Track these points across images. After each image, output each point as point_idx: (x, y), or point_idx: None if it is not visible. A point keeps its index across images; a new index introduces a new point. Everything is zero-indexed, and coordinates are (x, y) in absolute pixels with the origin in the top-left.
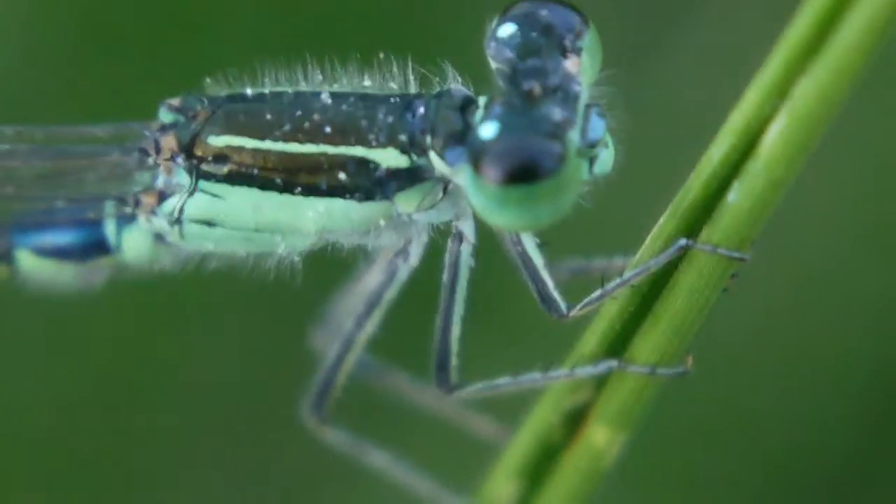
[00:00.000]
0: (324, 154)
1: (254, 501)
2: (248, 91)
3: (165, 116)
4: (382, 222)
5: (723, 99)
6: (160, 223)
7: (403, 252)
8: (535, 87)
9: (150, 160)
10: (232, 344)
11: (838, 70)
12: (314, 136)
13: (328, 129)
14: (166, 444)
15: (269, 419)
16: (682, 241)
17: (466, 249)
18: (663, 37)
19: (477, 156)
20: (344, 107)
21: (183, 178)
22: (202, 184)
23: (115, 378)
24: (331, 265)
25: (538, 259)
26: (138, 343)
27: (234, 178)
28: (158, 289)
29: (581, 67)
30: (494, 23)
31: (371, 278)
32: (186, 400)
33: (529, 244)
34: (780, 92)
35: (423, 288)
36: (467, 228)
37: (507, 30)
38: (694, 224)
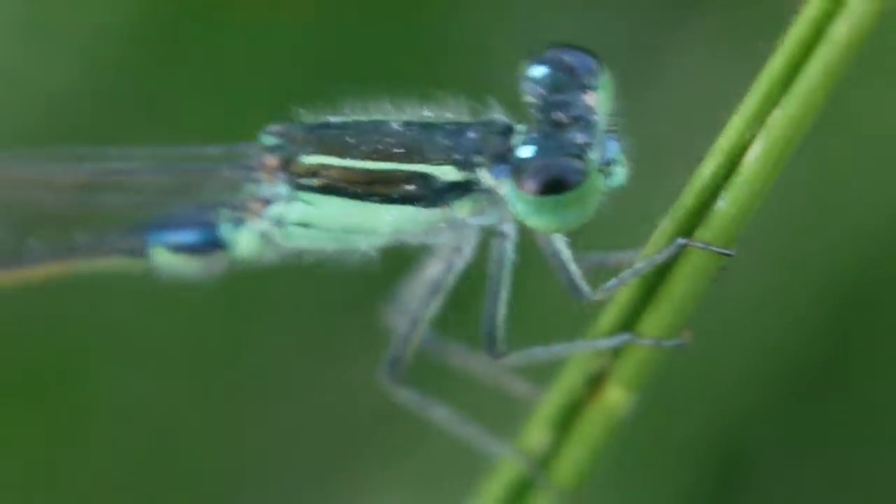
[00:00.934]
0: (395, 170)
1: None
2: (333, 119)
3: (268, 140)
4: (442, 225)
5: (712, 125)
6: (265, 225)
7: (459, 248)
8: (562, 117)
9: (256, 175)
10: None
11: (804, 104)
12: (387, 155)
13: (398, 150)
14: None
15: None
16: (680, 240)
17: (509, 246)
18: (652, 70)
19: (517, 172)
20: (410, 132)
21: (283, 190)
22: (299, 194)
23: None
24: (397, 259)
25: (566, 254)
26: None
27: (324, 190)
28: (247, 283)
29: (597, 101)
30: (527, 65)
31: (432, 269)
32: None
33: (559, 242)
34: (758, 120)
35: (474, 276)
36: (509, 229)
37: (539, 71)
38: (689, 226)
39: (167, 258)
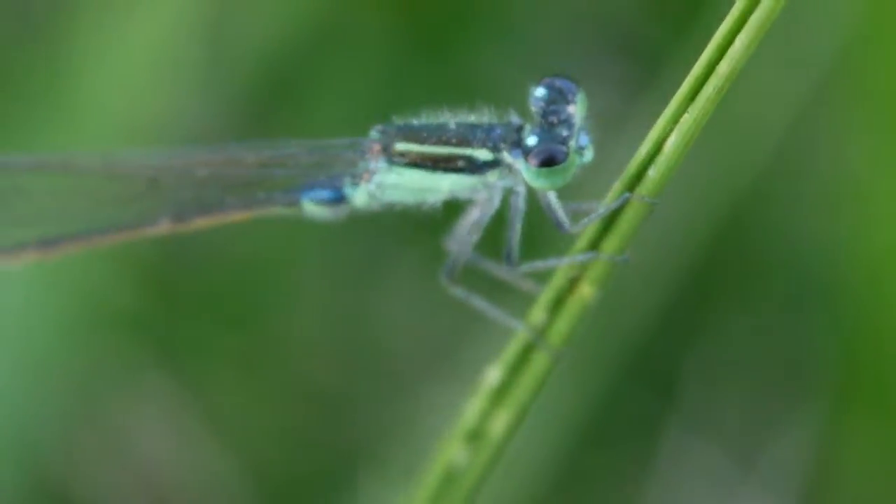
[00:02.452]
0: (452, 153)
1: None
2: (414, 121)
3: (374, 134)
4: (480, 186)
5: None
6: (372, 187)
7: (490, 200)
8: (554, 119)
9: (367, 155)
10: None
11: (703, 112)
12: (447, 143)
13: (454, 140)
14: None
15: None
16: (627, 195)
17: (521, 199)
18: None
19: (526, 153)
20: (461, 128)
21: (383, 165)
22: (392, 167)
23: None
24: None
25: (555, 203)
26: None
27: (408, 165)
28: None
29: (576, 109)
30: (534, 88)
31: (473, 213)
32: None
33: (551, 196)
34: (674, 121)
35: (498, 221)
36: (521, 189)
37: (540, 91)
38: (631, 186)
39: (311, 208)
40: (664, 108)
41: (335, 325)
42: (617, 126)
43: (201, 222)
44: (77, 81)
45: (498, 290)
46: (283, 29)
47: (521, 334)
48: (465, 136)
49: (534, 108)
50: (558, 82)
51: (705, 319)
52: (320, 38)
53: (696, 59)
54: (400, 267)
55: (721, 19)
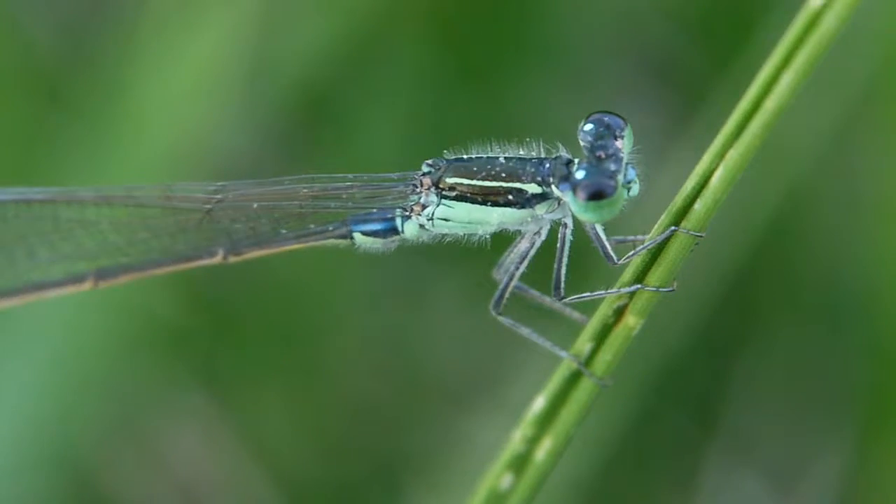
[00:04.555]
0: (501, 187)
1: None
2: (464, 155)
3: (425, 168)
4: (529, 219)
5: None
6: (423, 220)
7: (538, 232)
8: (602, 154)
9: (418, 189)
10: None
11: (748, 147)
12: (496, 177)
13: (503, 174)
14: None
15: None
16: (672, 228)
17: (568, 232)
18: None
19: (574, 187)
20: (510, 163)
21: (433, 198)
22: (443, 201)
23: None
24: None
25: (602, 236)
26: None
27: (458, 198)
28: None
29: (623, 145)
30: (582, 123)
31: (521, 245)
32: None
33: (598, 228)
34: (720, 156)
35: (547, 251)
36: (569, 221)
37: (588, 126)
38: (678, 219)
39: (363, 239)
40: (705, 139)
41: (376, 349)
42: (658, 155)
43: (255, 253)
44: (128, 104)
45: (542, 319)
46: (325, 52)
47: (566, 363)
48: (515, 171)
49: (582, 142)
50: (606, 118)
51: (743, 341)
52: (362, 61)
53: (736, 89)
54: (441, 292)
55: (762, 49)
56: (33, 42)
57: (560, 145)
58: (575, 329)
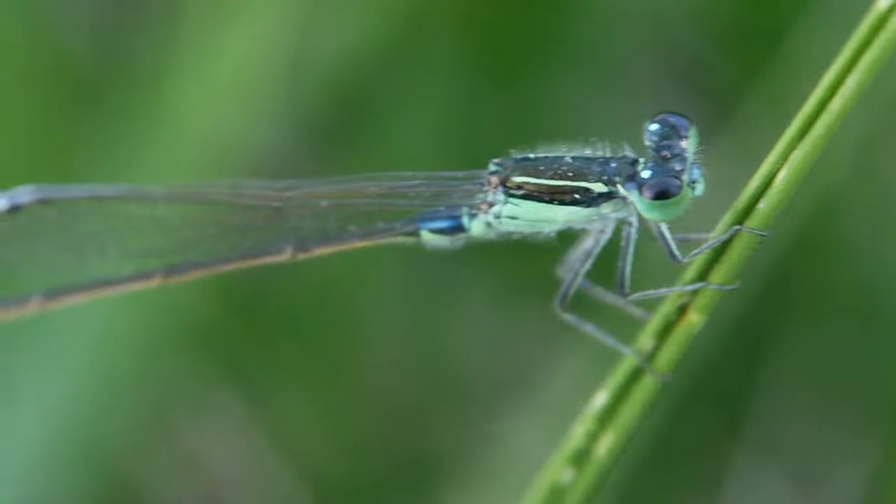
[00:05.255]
0: (568, 185)
1: None
2: (531, 154)
3: (492, 167)
4: (595, 217)
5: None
6: (490, 218)
7: (603, 231)
8: (667, 154)
9: (485, 188)
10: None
11: (811, 148)
12: (563, 176)
13: (570, 174)
14: None
15: None
16: (736, 227)
17: (633, 231)
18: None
19: (640, 186)
20: (577, 162)
21: (500, 197)
22: (510, 199)
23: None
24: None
25: (667, 234)
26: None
27: (525, 197)
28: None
29: (688, 144)
30: (647, 123)
31: (586, 243)
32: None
33: (663, 227)
34: (784, 158)
35: (611, 251)
36: (634, 220)
37: (654, 126)
38: (741, 219)
39: (430, 237)
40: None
41: (406, 347)
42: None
43: (322, 251)
44: (165, 104)
45: (597, 317)
46: (359, 52)
47: (627, 360)
48: (582, 170)
49: (647, 142)
50: (671, 118)
51: (773, 341)
52: (395, 62)
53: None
54: (470, 292)
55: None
56: (69, 44)
57: (625, 145)
58: (629, 326)
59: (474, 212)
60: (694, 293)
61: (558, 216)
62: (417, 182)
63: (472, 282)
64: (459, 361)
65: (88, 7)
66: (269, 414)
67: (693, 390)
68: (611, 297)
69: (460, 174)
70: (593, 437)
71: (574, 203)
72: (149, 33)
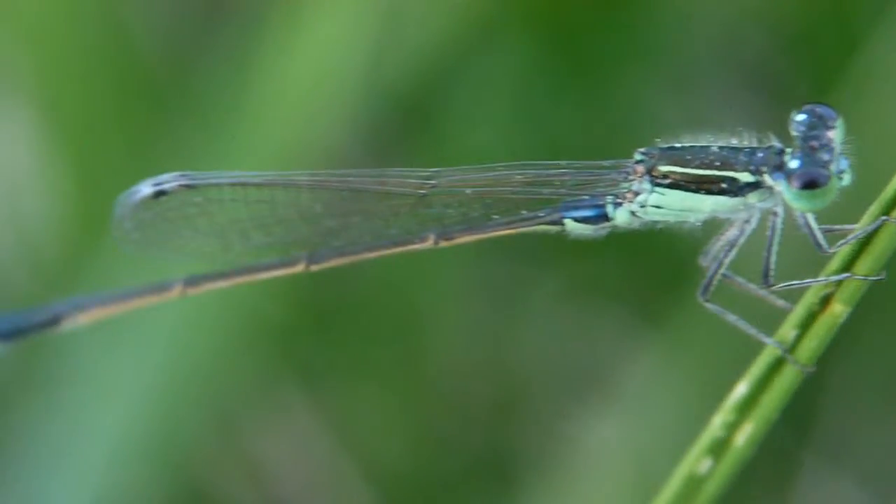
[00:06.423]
0: (715, 175)
1: None
2: (677, 144)
3: (638, 156)
4: (741, 207)
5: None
6: (635, 207)
7: (748, 221)
8: (815, 144)
9: (630, 177)
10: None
11: None
12: (710, 165)
13: (717, 163)
14: None
15: None
16: (883, 217)
17: (779, 220)
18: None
19: (788, 177)
20: (724, 152)
21: (646, 186)
22: (655, 188)
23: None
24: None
25: (814, 224)
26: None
27: (671, 186)
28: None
29: (835, 135)
30: (794, 114)
31: (730, 233)
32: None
33: (810, 217)
34: None
35: (757, 240)
36: (779, 210)
37: (801, 117)
38: (887, 209)
39: (574, 225)
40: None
41: (474, 347)
42: None
43: (466, 238)
44: (245, 104)
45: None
46: (432, 47)
47: (768, 349)
48: (729, 159)
49: (795, 132)
50: (819, 108)
51: (842, 344)
52: (466, 60)
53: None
54: (537, 292)
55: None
56: (145, 47)
57: (771, 135)
58: (774, 317)
59: (619, 201)
60: (839, 283)
61: (704, 206)
62: (562, 171)
63: (538, 283)
64: (529, 361)
65: (165, 13)
66: (338, 415)
67: None
68: (754, 288)
69: (605, 163)
70: (732, 427)
71: (721, 192)
72: (226, 37)
